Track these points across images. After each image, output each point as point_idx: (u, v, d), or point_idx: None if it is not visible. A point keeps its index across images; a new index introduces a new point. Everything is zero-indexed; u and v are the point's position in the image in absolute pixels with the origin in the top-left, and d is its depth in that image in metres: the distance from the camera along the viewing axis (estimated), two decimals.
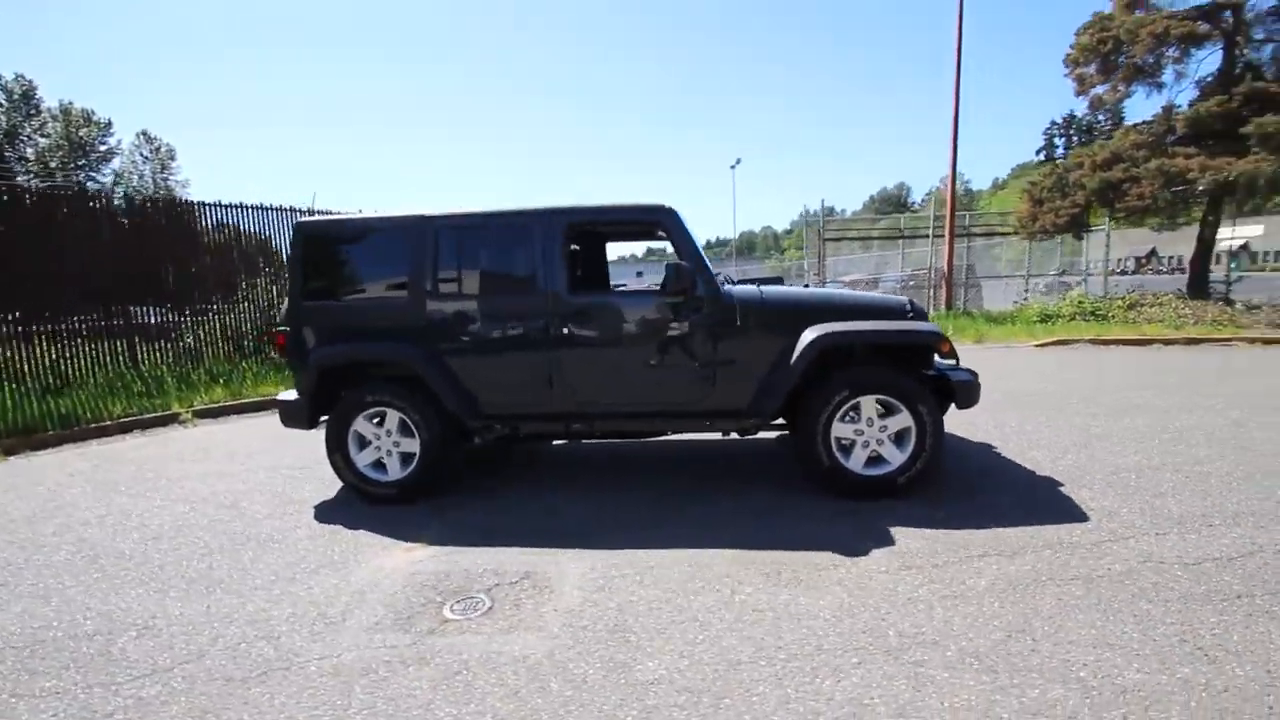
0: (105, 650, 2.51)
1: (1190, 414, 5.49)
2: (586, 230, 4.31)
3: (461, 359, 4.00)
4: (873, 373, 3.73)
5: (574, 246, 4.35)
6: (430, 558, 3.25)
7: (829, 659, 2.23)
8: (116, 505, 4.36)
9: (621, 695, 2.08)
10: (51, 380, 7.68)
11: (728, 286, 3.97)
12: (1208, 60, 13.53)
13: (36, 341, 7.73)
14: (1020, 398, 6.55)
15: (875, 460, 3.80)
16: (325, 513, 4.01)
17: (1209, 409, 5.64)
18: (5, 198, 7.78)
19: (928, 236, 19.57)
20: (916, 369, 3.91)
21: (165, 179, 49.94)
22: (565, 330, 3.91)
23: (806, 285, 12.55)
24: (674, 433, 4.28)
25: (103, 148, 47.27)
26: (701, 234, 4.46)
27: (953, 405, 3.89)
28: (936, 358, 3.96)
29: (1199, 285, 13.14)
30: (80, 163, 44.31)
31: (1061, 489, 3.80)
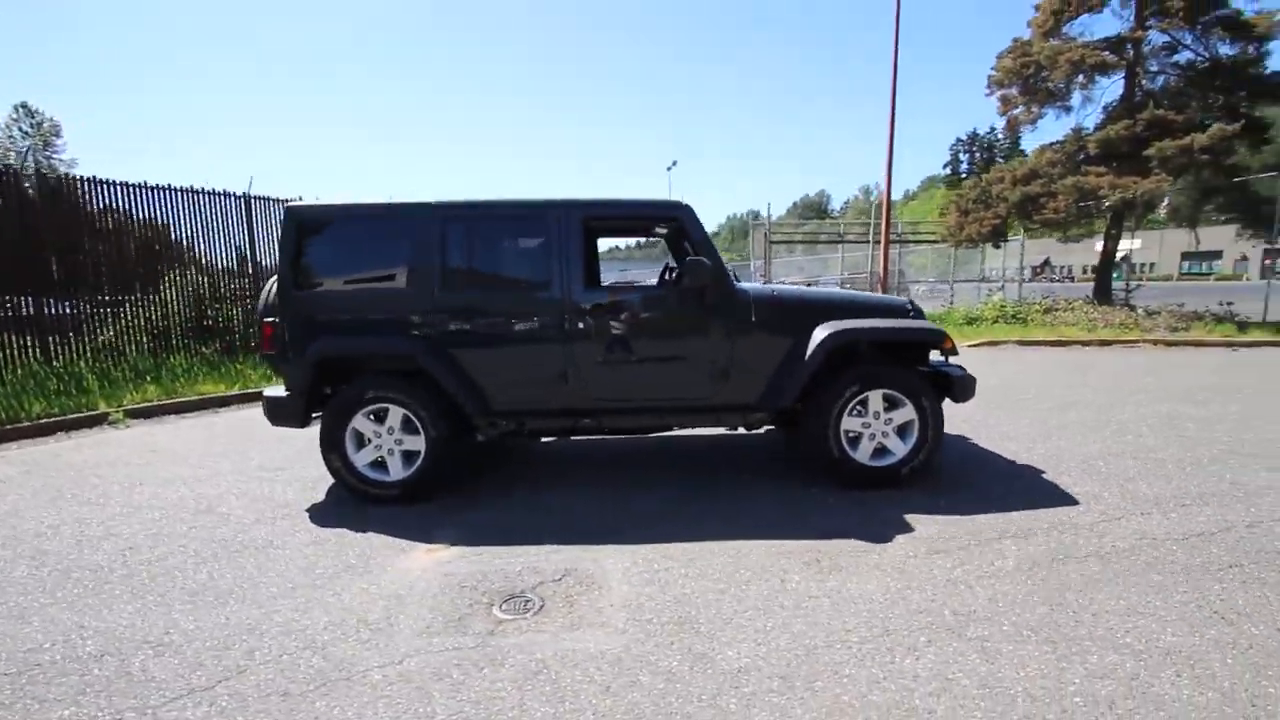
0: (123, 671, 2.27)
1: (1125, 408, 6.06)
2: (597, 224, 4.26)
3: (471, 354, 3.86)
4: (881, 368, 3.90)
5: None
6: (458, 558, 3.13)
7: (899, 639, 2.32)
8: (70, 514, 3.93)
9: (716, 684, 2.08)
10: None
11: (741, 284, 4.04)
12: (1111, 87, 14.97)
13: None
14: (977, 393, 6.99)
15: (880, 451, 3.97)
16: (321, 516, 3.77)
17: (1139, 403, 6.24)
18: None
19: (856, 241, 20.56)
20: (916, 364, 4.12)
21: (49, 156, 45.08)
22: (581, 325, 3.86)
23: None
24: (679, 428, 4.31)
25: None
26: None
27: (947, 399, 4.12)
28: (935, 354, 4.19)
29: (1104, 292, 14.51)
30: None
31: (1044, 476, 4.11)
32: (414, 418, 3.82)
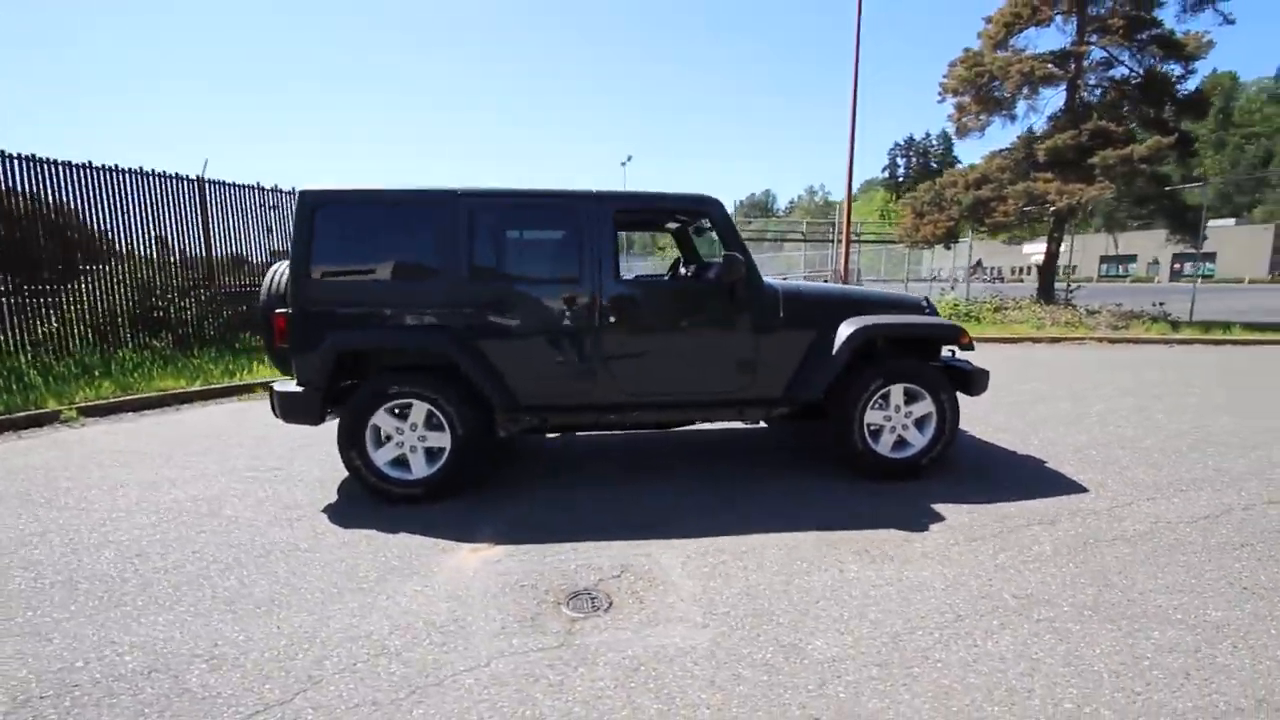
0: (180, 688, 2.10)
1: (1096, 401, 6.45)
2: (623, 217, 4.21)
3: (499, 347, 3.76)
4: (904, 363, 4.02)
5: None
6: (506, 557, 3.04)
7: (973, 623, 2.41)
8: (51, 521, 3.61)
9: (818, 675, 2.11)
10: None
11: (769, 279, 4.07)
12: (1053, 98, 15.87)
13: None
14: None
15: (899, 444, 4.09)
16: (341, 517, 3.59)
17: (1107, 396, 6.66)
18: None
19: (813, 240, 21.11)
20: (930, 359, 4.27)
21: None
22: (612, 318, 3.81)
23: None
24: (702, 422, 4.32)
25: None
26: None
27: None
28: (953, 350, 4.34)
29: (1047, 292, 15.40)
30: None
31: (1047, 465, 4.34)
32: (440, 414, 3.69)
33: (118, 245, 8.71)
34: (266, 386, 8.12)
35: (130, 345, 8.61)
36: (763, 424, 5.40)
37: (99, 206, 8.38)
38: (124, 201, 8.60)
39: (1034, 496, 3.72)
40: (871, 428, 4.03)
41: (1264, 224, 52.34)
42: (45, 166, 7.85)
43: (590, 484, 4.10)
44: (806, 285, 4.24)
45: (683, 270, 5.06)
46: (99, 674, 2.18)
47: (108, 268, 8.52)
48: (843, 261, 16.25)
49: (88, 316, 8.28)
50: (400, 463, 3.77)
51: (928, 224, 16.04)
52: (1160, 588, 2.64)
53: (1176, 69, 14.41)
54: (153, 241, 9.04)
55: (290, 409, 3.72)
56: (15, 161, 7.59)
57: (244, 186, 10.05)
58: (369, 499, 3.79)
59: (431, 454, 3.77)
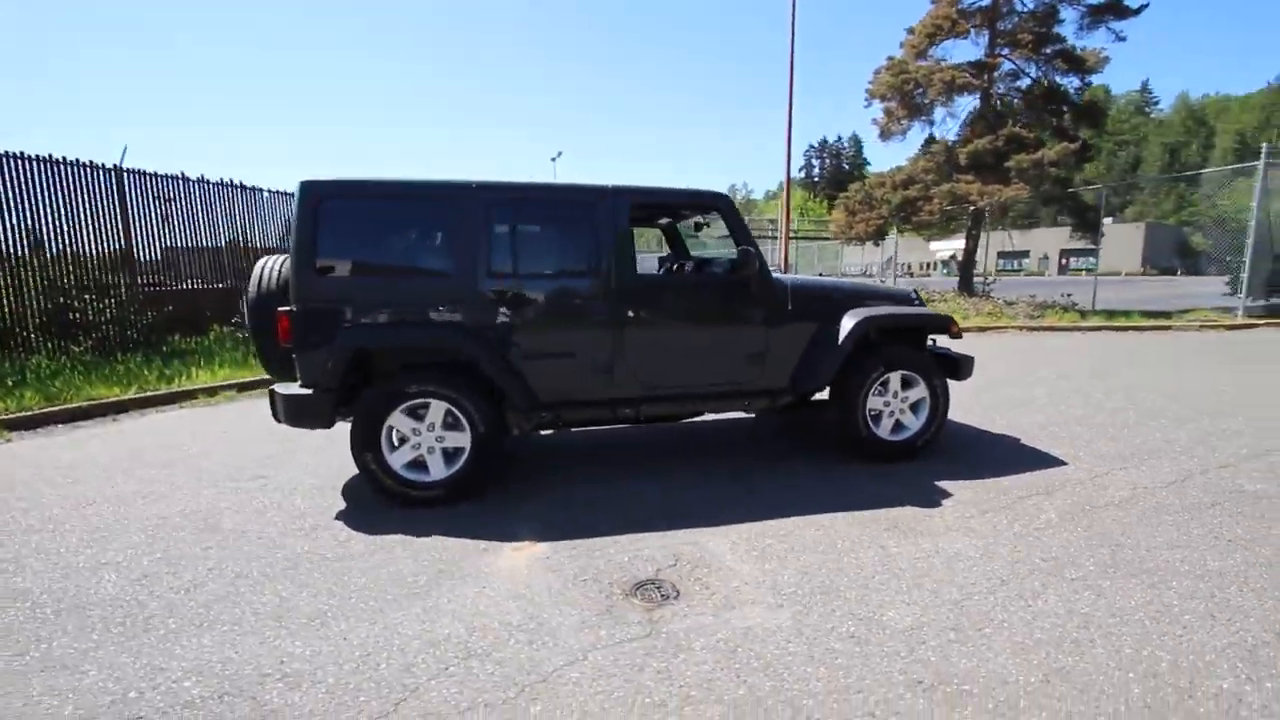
0: (263, 710, 1.98)
1: (1038, 385, 7.03)
2: (638, 212, 4.21)
3: (518, 343, 3.69)
4: (903, 351, 4.26)
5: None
6: (553, 554, 3.01)
7: (1020, 585, 2.62)
8: (21, 545, 3.25)
9: (905, 642, 2.24)
10: None
11: (776, 273, 4.21)
12: (967, 105, 17.06)
13: None
14: None
15: (897, 427, 4.34)
16: (358, 523, 3.43)
17: (1044, 380, 7.27)
18: None
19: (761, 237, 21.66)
20: (920, 347, 4.54)
21: None
22: (630, 312, 3.82)
23: None
24: (710, 414, 4.41)
25: None
26: None
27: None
28: (934, 339, 4.63)
29: (968, 284, 16.57)
30: None
31: (1022, 442, 4.72)
32: (459, 413, 3.59)
33: (22, 239, 7.82)
34: (246, 388, 7.60)
35: (43, 351, 7.76)
36: (750, 414, 5.55)
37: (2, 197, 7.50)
38: (31, 191, 7.72)
39: (1023, 470, 4.05)
40: (872, 413, 4.25)
41: (1135, 222, 58.35)
42: None
43: (598, 480, 4.08)
44: (810, 279, 4.42)
45: (675, 266, 5.13)
46: (162, 703, 2.02)
47: (9, 265, 7.64)
48: (783, 256, 16.81)
49: None
50: (416, 464, 3.64)
51: (860, 221, 16.88)
52: (1161, 544, 2.96)
53: (1075, 81, 15.84)
54: (64, 235, 8.17)
55: (298, 412, 3.51)
56: None
57: (169, 177, 9.26)
58: (380, 504, 3.63)
59: (449, 455, 3.66)
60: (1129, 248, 53.49)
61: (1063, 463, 4.20)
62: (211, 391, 7.33)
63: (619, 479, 4.09)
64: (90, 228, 8.37)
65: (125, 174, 8.68)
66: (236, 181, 10.20)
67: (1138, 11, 14.55)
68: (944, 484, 3.85)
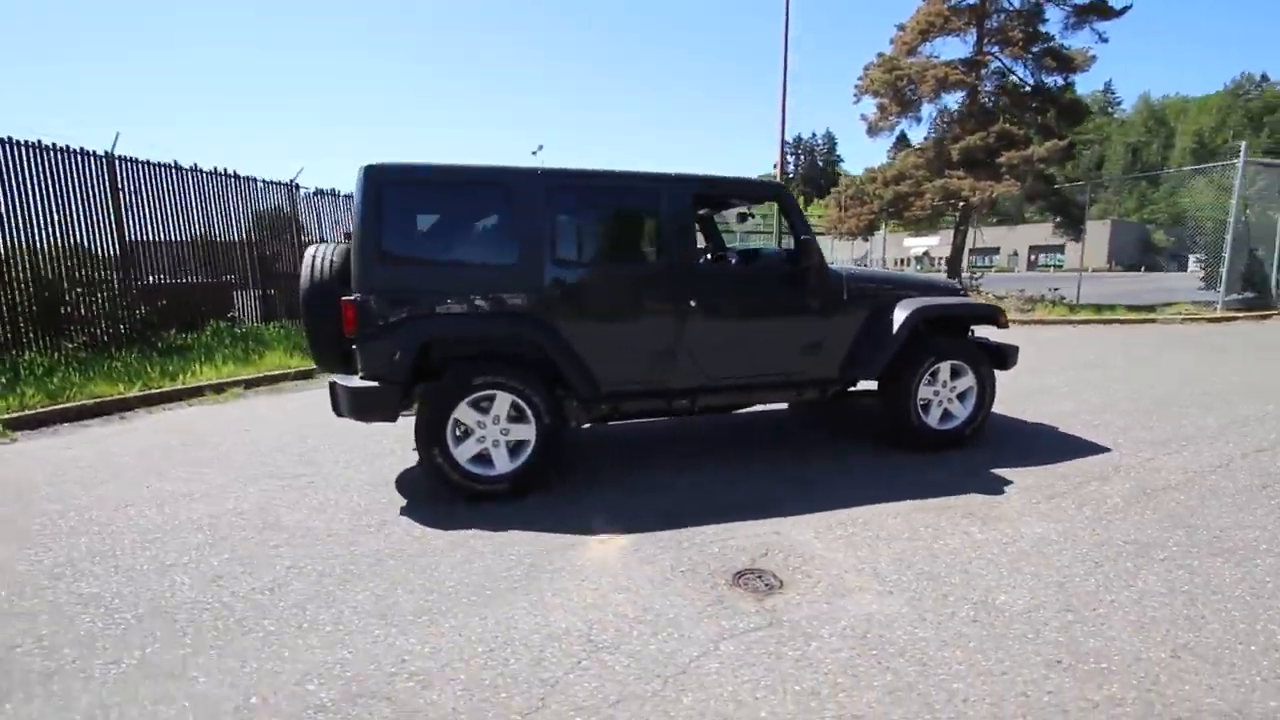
0: (407, 710, 1.91)
1: (1049, 375, 7.19)
2: (699, 200, 4.17)
3: (584, 332, 3.64)
4: (954, 341, 4.31)
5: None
6: (641, 546, 2.98)
7: (1114, 567, 2.67)
8: (70, 549, 3.11)
9: (1028, 623, 2.26)
10: None
11: (832, 264, 4.22)
12: (952, 102, 17.36)
13: None
14: None
15: (945, 416, 4.39)
16: (427, 518, 3.35)
17: (1055, 370, 7.44)
18: None
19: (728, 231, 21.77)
20: (964, 336, 4.61)
21: None
22: (692, 301, 3.80)
23: None
24: (762, 404, 4.42)
25: None
26: None
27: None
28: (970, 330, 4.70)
29: (956, 278, 16.90)
30: None
31: (1059, 430, 4.82)
32: (526, 405, 3.53)
33: (11, 230, 7.45)
34: (264, 379, 7.37)
35: (35, 348, 7.42)
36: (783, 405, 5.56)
37: None
38: (19, 180, 7.36)
39: (1072, 457, 4.13)
40: (921, 402, 4.30)
41: (1101, 220, 60.12)
42: None
43: (645, 472, 4.04)
44: (862, 270, 4.46)
45: (715, 256, 5.11)
46: (290, 708, 1.94)
47: None
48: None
49: None
50: (480, 458, 3.57)
51: (851, 217, 17.08)
52: (1230, 525, 3.05)
53: (1058, 80, 16.23)
54: (54, 225, 7.80)
55: (363, 406, 3.41)
56: None
57: (163, 166, 8.91)
58: (442, 499, 3.56)
59: (514, 447, 3.60)
60: (1096, 244, 55.04)
61: (1106, 449, 4.29)
62: (219, 389, 7.12)
63: (664, 470, 4.06)
64: (81, 218, 8.01)
65: (118, 161, 8.33)
66: (231, 171, 9.87)
67: (1121, 12, 14.97)
68: (999, 471, 3.91)
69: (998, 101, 16.71)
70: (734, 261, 4.50)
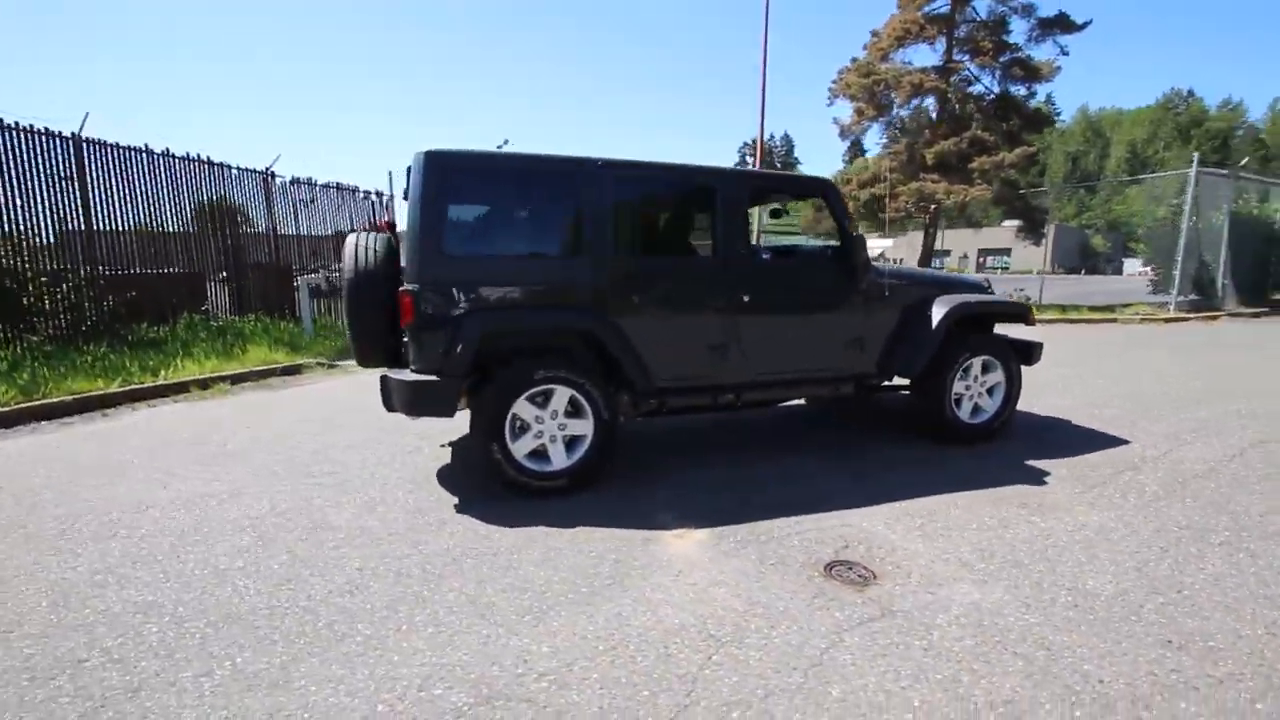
0: (553, 711, 1.85)
1: (1040, 371, 7.44)
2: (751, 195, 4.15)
3: (641, 326, 3.59)
4: (986, 337, 4.43)
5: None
6: (720, 540, 2.96)
7: (1180, 552, 2.79)
8: (99, 554, 2.90)
9: (1124, 606, 2.34)
10: None
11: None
12: (924, 108, 17.89)
13: None
14: None
15: (975, 411, 4.52)
16: (486, 515, 3.25)
17: (1051, 367, 7.69)
18: None
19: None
20: (992, 333, 4.74)
21: None
22: (746, 297, 3.79)
23: None
24: (801, 399, 4.45)
25: None
26: None
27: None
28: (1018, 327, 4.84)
29: None
30: None
31: (1075, 424, 5.02)
32: (584, 399, 3.46)
33: None
34: (284, 370, 6.98)
35: (13, 345, 6.89)
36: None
37: None
38: None
39: (1097, 449, 4.30)
40: (955, 397, 4.41)
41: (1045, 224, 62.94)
42: None
43: (696, 466, 4.02)
44: (901, 268, 4.53)
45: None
46: (420, 714, 1.85)
47: None
48: None
49: None
50: (536, 454, 3.48)
51: (827, 217, 17.36)
52: (1268, 510, 3.23)
53: (1022, 89, 16.93)
54: (13, 210, 7.25)
55: (420, 401, 3.28)
56: None
57: (133, 149, 8.39)
58: (496, 495, 3.46)
59: (570, 442, 3.53)
60: (1040, 248, 57.69)
61: (1125, 441, 4.49)
62: (204, 384, 6.76)
63: (715, 466, 4.05)
64: (44, 202, 7.46)
65: (85, 144, 7.79)
66: (205, 156, 9.36)
67: (1083, 27, 15.73)
68: (1035, 463, 4.04)
69: (965, 109, 17.31)
70: (777, 257, 4.52)
